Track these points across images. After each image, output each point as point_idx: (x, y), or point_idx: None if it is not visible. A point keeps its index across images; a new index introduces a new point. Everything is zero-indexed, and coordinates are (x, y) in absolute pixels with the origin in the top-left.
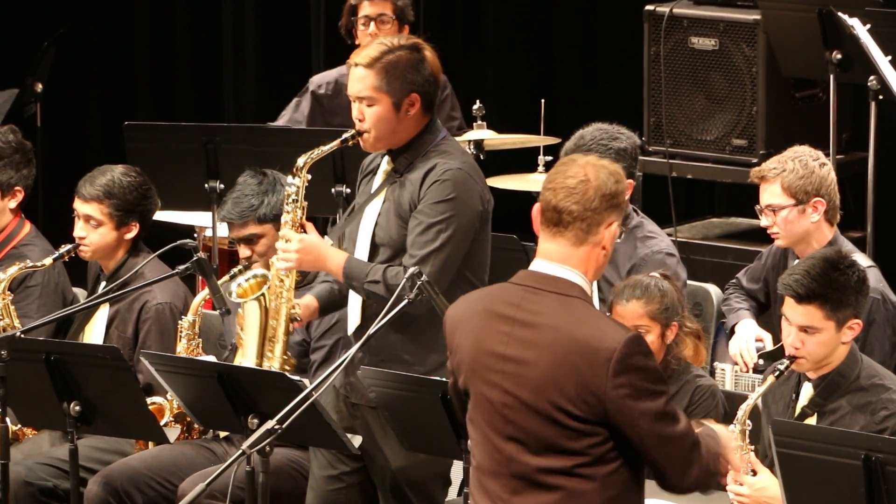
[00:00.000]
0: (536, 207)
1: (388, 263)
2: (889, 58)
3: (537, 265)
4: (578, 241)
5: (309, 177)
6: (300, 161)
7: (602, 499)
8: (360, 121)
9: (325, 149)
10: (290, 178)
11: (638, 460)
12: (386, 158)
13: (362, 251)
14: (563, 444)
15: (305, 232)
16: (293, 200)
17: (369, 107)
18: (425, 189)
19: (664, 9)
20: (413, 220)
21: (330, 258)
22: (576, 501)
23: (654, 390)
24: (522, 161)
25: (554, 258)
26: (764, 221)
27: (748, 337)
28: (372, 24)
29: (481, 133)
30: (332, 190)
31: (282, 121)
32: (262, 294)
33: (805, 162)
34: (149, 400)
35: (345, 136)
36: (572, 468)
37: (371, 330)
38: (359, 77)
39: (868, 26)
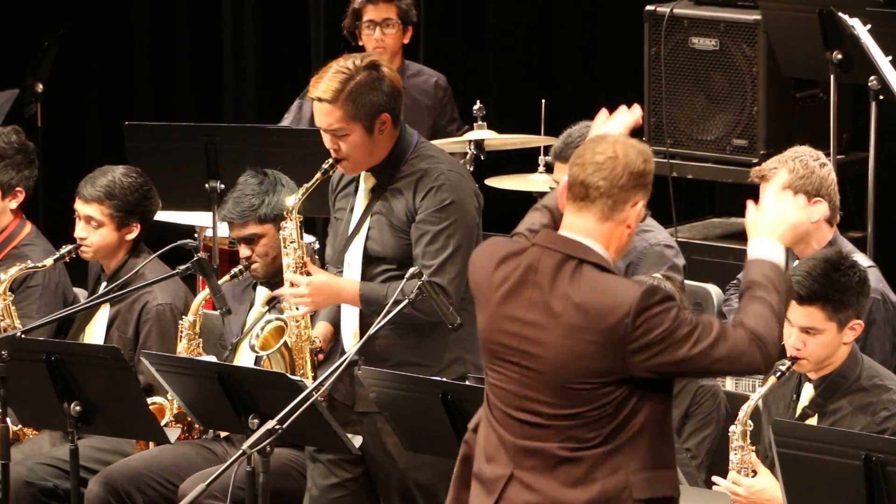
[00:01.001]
0: (563, 183)
1: (404, 279)
2: (889, 58)
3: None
4: (603, 217)
5: (301, 217)
6: (289, 202)
7: (605, 464)
8: (335, 150)
9: (310, 185)
10: (283, 223)
11: (658, 422)
12: (364, 175)
13: (355, 269)
14: (576, 407)
15: (309, 273)
16: (290, 243)
17: (342, 137)
18: (421, 197)
19: (665, 9)
20: (417, 231)
21: (343, 290)
22: (579, 467)
23: (675, 325)
24: (523, 161)
25: (577, 231)
26: None
27: None
28: (377, 29)
29: (482, 133)
30: None
31: (285, 123)
32: (285, 342)
33: (805, 162)
34: (149, 400)
35: (324, 167)
36: (581, 433)
37: (371, 330)
38: (325, 111)
39: (868, 26)
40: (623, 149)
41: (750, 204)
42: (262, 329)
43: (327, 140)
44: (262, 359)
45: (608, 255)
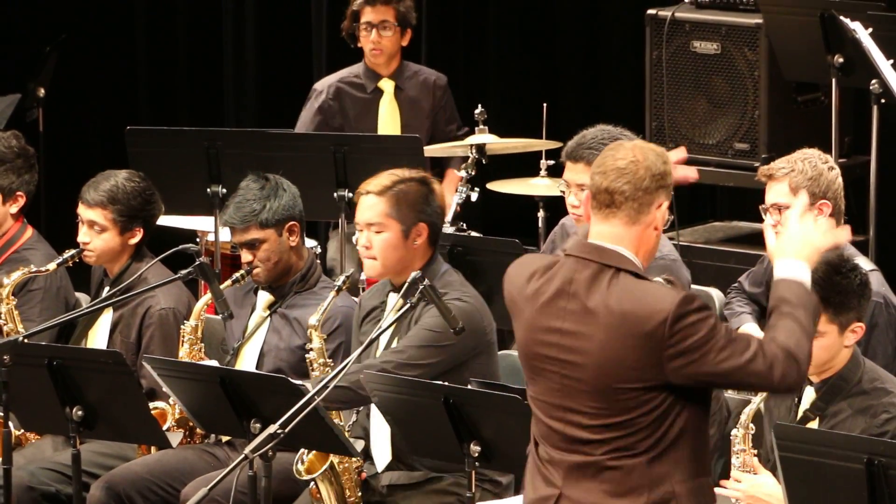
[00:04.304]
0: (586, 194)
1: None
2: (891, 61)
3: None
4: (631, 221)
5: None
6: (312, 320)
7: (651, 474)
8: (366, 248)
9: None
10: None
11: (697, 430)
12: (393, 296)
13: None
14: (618, 416)
15: None
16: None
17: (378, 234)
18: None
19: (666, 13)
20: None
21: None
22: (626, 478)
23: (712, 335)
24: (524, 165)
25: (607, 238)
26: (768, 220)
27: None
28: (374, 30)
29: (483, 137)
30: (335, 194)
31: (303, 117)
32: (331, 464)
33: (814, 164)
34: (151, 405)
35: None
36: (625, 443)
37: (373, 335)
38: (369, 204)
39: (870, 30)
40: (642, 152)
41: (768, 230)
42: (308, 453)
43: (363, 238)
44: (309, 485)
45: (639, 262)
